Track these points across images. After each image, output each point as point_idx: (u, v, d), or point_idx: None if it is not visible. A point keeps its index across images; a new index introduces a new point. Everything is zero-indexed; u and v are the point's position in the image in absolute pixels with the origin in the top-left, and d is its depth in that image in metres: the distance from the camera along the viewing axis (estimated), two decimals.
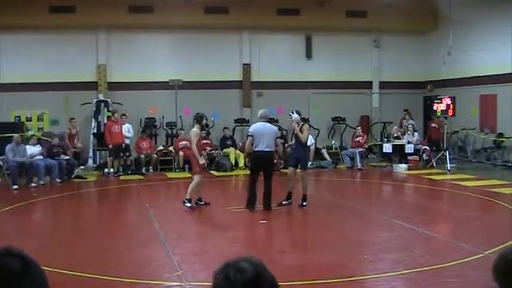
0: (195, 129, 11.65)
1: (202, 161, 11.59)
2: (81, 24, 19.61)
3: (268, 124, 11.70)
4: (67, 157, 16.63)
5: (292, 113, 12.14)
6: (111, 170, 17.65)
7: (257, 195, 11.43)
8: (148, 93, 20.32)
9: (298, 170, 11.98)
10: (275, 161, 14.00)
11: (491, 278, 2.07)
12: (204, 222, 11.17)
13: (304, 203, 11.81)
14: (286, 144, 16.38)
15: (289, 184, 12.01)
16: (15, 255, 1.71)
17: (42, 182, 15.47)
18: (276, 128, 12.03)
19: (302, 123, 12.16)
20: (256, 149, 11.28)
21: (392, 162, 18.86)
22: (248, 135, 11.67)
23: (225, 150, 19.22)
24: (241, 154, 18.58)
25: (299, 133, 11.79)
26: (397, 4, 20.44)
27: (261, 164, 11.38)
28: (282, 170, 16.23)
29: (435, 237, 9.46)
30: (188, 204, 11.51)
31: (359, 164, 18.66)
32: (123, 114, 18.32)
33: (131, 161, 18.37)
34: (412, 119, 20.72)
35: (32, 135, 16.91)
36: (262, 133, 11.33)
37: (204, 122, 12.02)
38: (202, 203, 11.88)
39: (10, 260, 1.69)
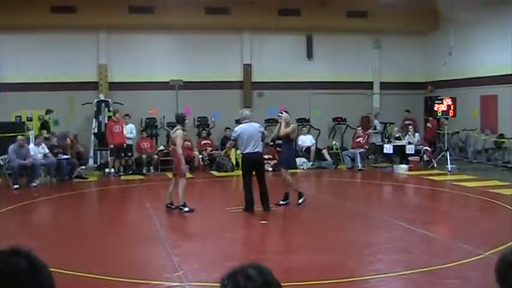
0: (180, 130, 11.40)
1: (183, 165, 11.45)
2: (81, 24, 19.61)
3: (253, 124, 11.55)
4: (67, 157, 16.62)
5: (281, 113, 12.19)
6: (112, 170, 17.65)
7: (254, 197, 11.34)
8: (149, 94, 20.32)
9: (283, 170, 11.96)
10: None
11: (494, 279, 2.06)
12: (204, 222, 11.15)
13: (283, 202, 11.85)
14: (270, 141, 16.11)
15: (287, 183, 11.98)
16: (22, 255, 1.70)
17: (37, 182, 15.45)
18: (259, 127, 11.67)
19: (291, 124, 12.29)
20: (245, 152, 11.20)
21: (393, 163, 18.85)
22: (231, 139, 11.52)
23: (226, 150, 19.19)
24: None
25: (283, 128, 11.83)
26: (397, 5, 20.42)
27: (253, 165, 11.31)
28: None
29: (435, 238, 9.45)
30: (186, 209, 11.37)
31: (359, 165, 18.63)
32: (126, 115, 18.32)
33: (132, 161, 18.38)
34: (378, 120, 20.98)
35: (37, 135, 16.90)
36: (250, 134, 11.21)
37: (186, 121, 11.93)
38: (173, 207, 11.53)
39: (17, 259, 1.68)
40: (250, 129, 11.31)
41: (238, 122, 20.15)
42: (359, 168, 18.53)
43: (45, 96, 19.22)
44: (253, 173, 11.39)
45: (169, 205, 11.56)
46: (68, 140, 17.65)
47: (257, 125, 11.74)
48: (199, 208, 11.76)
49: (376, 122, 21.05)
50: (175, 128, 11.68)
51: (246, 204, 11.28)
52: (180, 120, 11.62)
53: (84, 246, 8.87)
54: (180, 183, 11.39)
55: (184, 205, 11.39)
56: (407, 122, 20.70)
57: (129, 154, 18.08)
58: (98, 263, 7.76)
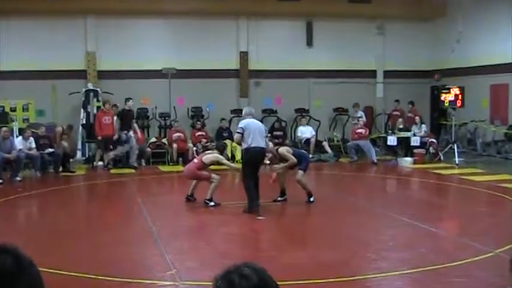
0: (217, 155, 11.99)
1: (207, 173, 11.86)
2: (69, 8, 19.52)
3: (257, 121, 11.77)
4: (51, 150, 16.59)
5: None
6: (100, 163, 17.62)
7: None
8: (140, 83, 20.26)
9: (299, 171, 11.82)
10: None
11: (504, 278, 2.07)
12: (198, 218, 11.17)
13: (311, 199, 11.80)
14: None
15: (281, 181, 11.93)
16: (9, 253, 1.70)
17: (21, 176, 15.44)
18: (263, 125, 12.05)
19: (276, 147, 12.30)
20: (252, 145, 11.02)
21: (397, 156, 18.85)
22: (237, 133, 11.38)
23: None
24: (238, 147, 18.56)
25: (288, 158, 11.62)
26: None
27: (257, 160, 11.23)
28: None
29: (442, 235, 9.47)
30: (212, 203, 11.53)
31: (374, 158, 18.47)
32: (114, 105, 18.20)
33: (122, 154, 18.34)
34: (362, 110, 20.92)
35: (28, 127, 16.86)
36: (257, 128, 11.23)
37: (226, 151, 13.11)
38: (192, 198, 11.96)
39: (4, 257, 1.68)
40: (256, 124, 11.39)
41: (233, 112, 20.46)
42: (374, 161, 18.41)
43: (29, 85, 19.14)
44: None
45: (189, 196, 11.98)
46: (59, 129, 17.58)
47: (262, 124, 11.98)
48: (193, 203, 11.82)
49: (360, 112, 20.78)
50: (211, 152, 12.42)
51: (251, 203, 10.91)
52: (220, 148, 12.44)
53: (72, 244, 8.85)
54: (215, 179, 11.64)
55: (211, 200, 11.58)
56: (395, 113, 20.77)
57: (115, 146, 17.99)
58: (86, 261, 7.75)
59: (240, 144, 11.76)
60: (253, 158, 11.17)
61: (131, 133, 17.75)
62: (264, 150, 11.37)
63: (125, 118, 17.89)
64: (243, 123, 11.35)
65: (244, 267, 1.82)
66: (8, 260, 1.67)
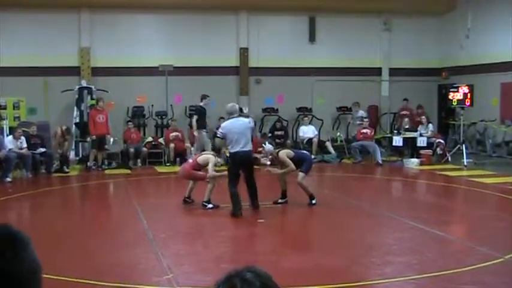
0: (213, 157, 11.84)
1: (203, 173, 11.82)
2: (62, 2, 19.54)
3: (240, 119, 11.51)
4: (43, 150, 16.60)
5: (264, 144, 12.30)
6: (93, 162, 17.64)
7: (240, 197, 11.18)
8: (136, 80, 20.28)
9: (300, 173, 11.81)
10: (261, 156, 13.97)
11: None
12: (196, 221, 11.18)
13: (313, 201, 11.81)
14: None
15: (282, 182, 11.94)
16: (5, 231, 1.74)
17: (9, 178, 15.43)
18: (248, 123, 11.66)
19: (277, 150, 12.31)
20: (233, 150, 11.06)
21: (402, 157, 18.85)
22: (216, 137, 11.64)
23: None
24: None
25: (287, 164, 11.58)
26: None
27: (243, 164, 11.19)
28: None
29: (449, 239, 9.48)
30: (210, 205, 11.54)
31: (379, 159, 18.47)
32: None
33: (117, 154, 18.38)
34: (364, 110, 20.94)
35: (18, 125, 16.87)
36: (240, 131, 11.08)
37: (222, 151, 13.05)
38: (190, 200, 11.98)
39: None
40: (239, 126, 11.18)
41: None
42: (379, 162, 18.42)
43: (20, 82, 19.12)
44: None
45: (187, 198, 12.02)
46: (59, 131, 17.52)
47: (246, 120, 11.79)
48: (190, 205, 11.85)
49: (361, 112, 20.80)
50: (208, 153, 12.41)
51: (234, 207, 10.98)
52: (216, 149, 12.61)
53: (65, 248, 8.86)
54: (211, 181, 11.64)
55: (209, 201, 11.59)
56: (403, 113, 20.73)
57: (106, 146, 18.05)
58: (80, 265, 7.76)
59: (221, 148, 12.07)
60: (239, 162, 11.15)
61: (204, 131, 17.60)
62: (249, 153, 11.31)
63: (201, 116, 17.59)
64: (223, 127, 11.37)
65: (247, 272, 1.82)
66: (5, 238, 1.73)
